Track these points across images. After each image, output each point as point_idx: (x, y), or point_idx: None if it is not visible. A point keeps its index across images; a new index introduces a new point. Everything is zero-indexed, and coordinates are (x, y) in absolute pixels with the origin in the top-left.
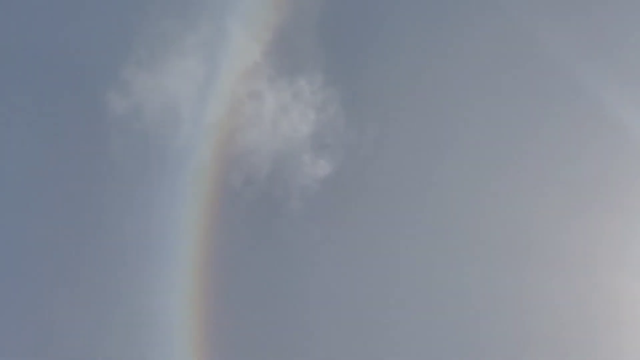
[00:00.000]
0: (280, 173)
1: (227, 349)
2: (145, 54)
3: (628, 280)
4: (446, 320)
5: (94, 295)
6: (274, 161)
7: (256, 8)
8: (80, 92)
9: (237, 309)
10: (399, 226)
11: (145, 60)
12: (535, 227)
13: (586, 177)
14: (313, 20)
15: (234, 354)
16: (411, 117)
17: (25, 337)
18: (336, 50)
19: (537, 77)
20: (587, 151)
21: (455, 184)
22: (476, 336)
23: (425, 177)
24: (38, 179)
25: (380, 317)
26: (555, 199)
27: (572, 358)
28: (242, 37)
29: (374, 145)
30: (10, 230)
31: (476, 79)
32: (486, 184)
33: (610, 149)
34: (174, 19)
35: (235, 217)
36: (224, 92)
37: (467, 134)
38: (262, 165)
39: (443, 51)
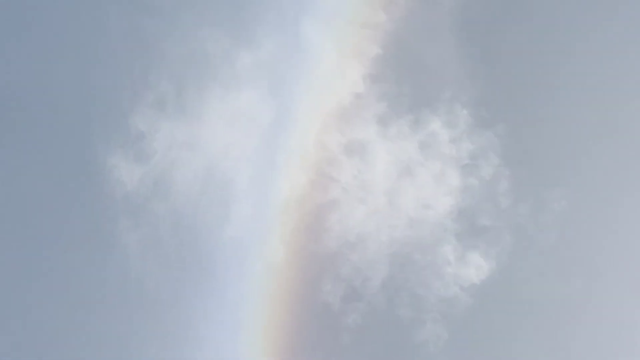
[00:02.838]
0: (404, 279)
1: None
2: (170, 88)
3: None
4: None
5: None
6: (392, 259)
7: (350, 3)
8: (67, 152)
9: None
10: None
11: (170, 98)
12: None
13: None
14: (448, 19)
15: None
16: (624, 174)
17: None
18: (490, 65)
19: None
20: None
21: None
22: None
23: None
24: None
25: None
26: None
27: None
28: (330, 52)
29: (562, 225)
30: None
31: None
32: None
33: None
34: (215, 29)
35: (331, 354)
36: (304, 145)
37: None
38: (372, 267)
39: None
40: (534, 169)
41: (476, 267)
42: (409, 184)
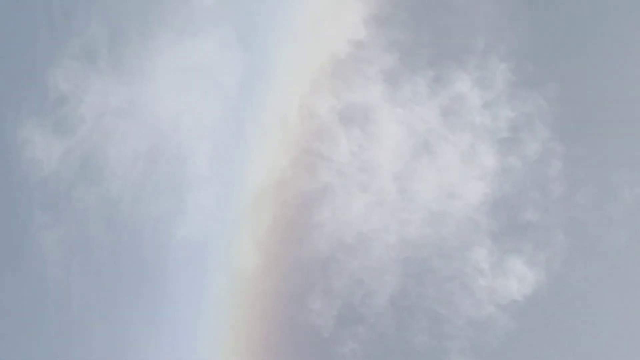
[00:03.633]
0: (421, 295)
1: None
2: (102, 35)
3: None
4: None
5: None
6: (404, 268)
7: None
8: None
9: None
10: None
11: (101, 48)
12: None
13: None
14: None
15: None
16: None
17: None
18: (537, 5)
19: None
20: None
21: None
22: None
23: None
24: None
25: None
26: None
27: None
28: None
29: (635, 219)
30: None
31: None
32: None
33: None
34: None
35: None
36: (285, 112)
37: None
38: (377, 278)
39: None
40: (596, 144)
41: (519, 279)
42: (427, 165)
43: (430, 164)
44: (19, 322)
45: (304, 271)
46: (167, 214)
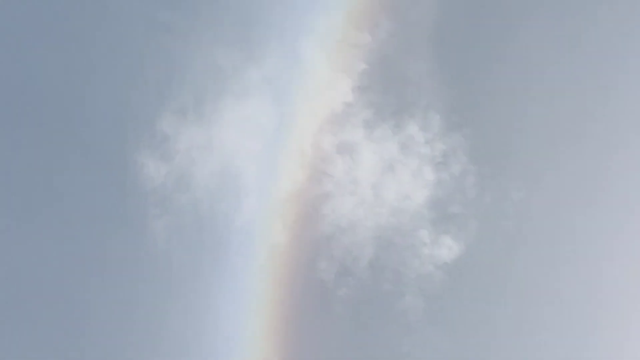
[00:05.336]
0: (388, 258)
1: None
2: (190, 98)
3: None
4: None
5: None
6: (377, 242)
7: (341, 26)
8: (103, 152)
9: None
10: (554, 332)
11: (190, 106)
12: None
13: None
14: (424, 39)
15: None
16: (571, 170)
17: None
18: (459, 78)
19: None
20: None
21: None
22: None
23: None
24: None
25: None
26: None
27: None
28: (324, 68)
29: (520, 212)
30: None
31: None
32: None
33: None
34: (228, 49)
35: (325, 321)
36: (302, 146)
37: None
38: (360, 248)
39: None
40: (497, 165)
41: (448, 249)
42: (391, 179)
43: (392, 178)
44: (140, 280)
45: (314, 245)
46: (230, 210)
